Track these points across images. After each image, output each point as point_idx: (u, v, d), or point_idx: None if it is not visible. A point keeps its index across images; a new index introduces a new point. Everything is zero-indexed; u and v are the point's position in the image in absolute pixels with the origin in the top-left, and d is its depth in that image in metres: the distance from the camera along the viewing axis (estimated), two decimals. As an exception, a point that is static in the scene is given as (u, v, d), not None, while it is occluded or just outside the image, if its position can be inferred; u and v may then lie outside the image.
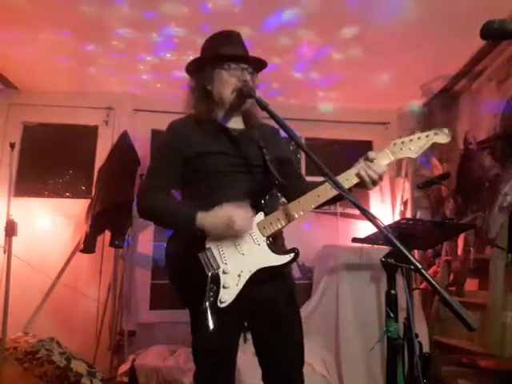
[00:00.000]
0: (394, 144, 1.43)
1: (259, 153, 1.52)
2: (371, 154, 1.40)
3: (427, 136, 1.40)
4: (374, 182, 1.39)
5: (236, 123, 1.59)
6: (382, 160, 1.41)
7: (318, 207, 1.50)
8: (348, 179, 1.40)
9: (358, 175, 1.39)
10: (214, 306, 1.34)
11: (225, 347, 1.48)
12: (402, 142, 1.42)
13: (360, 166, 1.39)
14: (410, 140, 1.41)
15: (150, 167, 1.59)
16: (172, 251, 1.53)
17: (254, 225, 1.43)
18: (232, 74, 1.51)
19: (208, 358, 1.47)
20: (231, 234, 1.39)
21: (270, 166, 1.49)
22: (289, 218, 1.42)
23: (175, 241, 1.54)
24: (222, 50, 1.53)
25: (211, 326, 1.31)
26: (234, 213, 1.37)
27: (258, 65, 1.59)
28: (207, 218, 1.39)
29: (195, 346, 1.50)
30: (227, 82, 1.52)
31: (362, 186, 1.41)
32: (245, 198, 1.44)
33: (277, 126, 1.41)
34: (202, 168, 1.50)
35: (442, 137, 1.40)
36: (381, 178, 1.39)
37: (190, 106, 1.59)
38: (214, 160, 1.49)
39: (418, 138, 1.41)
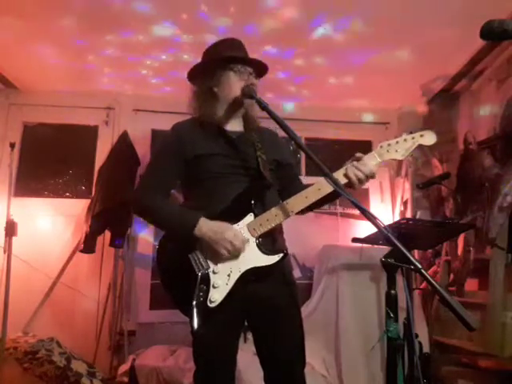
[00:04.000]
0: (381, 147, 1.46)
1: (255, 155, 1.55)
2: (358, 154, 1.44)
3: (413, 138, 1.44)
4: (361, 181, 1.41)
5: (236, 126, 1.63)
6: (370, 161, 1.44)
7: (317, 207, 1.54)
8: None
9: (346, 175, 1.42)
10: (204, 306, 1.38)
11: (224, 347, 1.50)
12: (389, 145, 1.45)
13: (347, 167, 1.43)
14: (397, 142, 1.45)
15: (150, 166, 1.62)
16: (163, 252, 1.54)
17: (244, 226, 1.46)
18: (240, 77, 1.56)
19: (208, 357, 1.49)
20: (222, 247, 1.40)
21: (262, 169, 1.52)
22: (278, 219, 1.45)
23: (166, 242, 1.56)
24: (229, 54, 1.58)
25: (196, 325, 1.35)
26: (235, 231, 1.41)
27: (261, 69, 1.64)
28: (209, 222, 1.42)
29: (195, 345, 1.51)
30: (235, 84, 1.56)
31: (349, 185, 1.43)
32: (241, 198, 1.47)
33: (277, 129, 1.44)
34: (201, 169, 1.53)
35: (428, 138, 1.43)
36: (368, 177, 1.41)
37: (194, 109, 1.63)
38: (213, 161, 1.52)
39: (405, 140, 1.44)
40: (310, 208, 1.53)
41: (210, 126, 1.57)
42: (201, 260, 1.43)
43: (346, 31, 2.91)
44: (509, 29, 0.95)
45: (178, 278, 1.47)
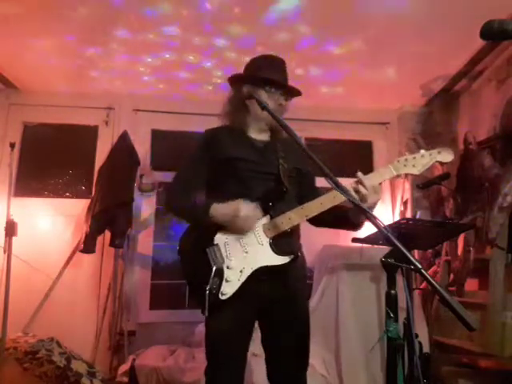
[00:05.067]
0: (398, 161, 1.50)
1: (277, 163, 1.65)
2: (360, 174, 1.48)
3: (430, 154, 1.48)
4: (363, 198, 1.45)
5: (263, 136, 1.74)
6: (379, 177, 1.49)
7: (336, 227, 1.73)
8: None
9: (355, 188, 1.47)
10: (216, 298, 1.47)
11: (236, 344, 1.56)
12: (406, 159, 1.49)
13: (350, 184, 1.48)
14: (414, 158, 1.49)
15: (182, 168, 1.74)
16: (184, 249, 1.65)
17: (259, 226, 1.54)
18: (270, 97, 1.66)
19: (219, 353, 1.56)
20: (237, 225, 1.50)
21: (281, 175, 1.62)
22: (292, 222, 1.53)
23: (187, 239, 1.67)
24: (267, 74, 1.67)
25: (206, 314, 1.45)
26: (241, 206, 1.49)
27: (294, 92, 1.73)
28: (219, 207, 1.52)
29: (208, 341, 1.59)
30: (265, 102, 1.61)
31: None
32: (259, 201, 1.56)
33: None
34: (226, 172, 1.64)
35: (445, 156, 1.47)
36: (374, 190, 1.45)
37: (226, 115, 1.75)
38: (237, 165, 1.63)
39: (422, 155, 1.48)
40: (331, 224, 1.68)
41: (239, 133, 1.70)
42: (217, 255, 1.53)
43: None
44: (509, 29, 0.95)
45: (199, 274, 1.54)
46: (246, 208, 1.49)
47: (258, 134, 1.73)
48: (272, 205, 1.55)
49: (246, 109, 1.70)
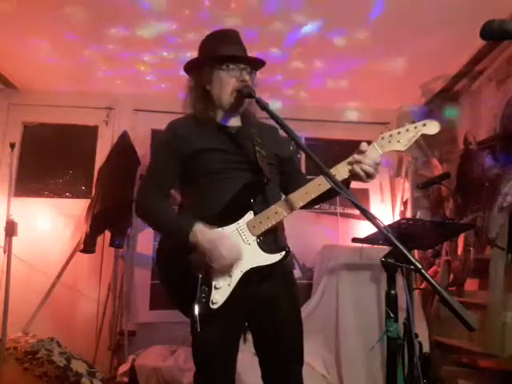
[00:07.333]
0: (382, 138, 1.40)
1: (254, 150, 1.51)
2: (363, 147, 1.39)
3: (416, 127, 1.37)
4: (369, 175, 1.37)
5: (234, 121, 1.59)
6: (371, 153, 1.39)
7: (316, 204, 1.51)
8: (337, 174, 1.37)
9: (352, 171, 1.39)
10: (206, 308, 1.35)
11: (224, 348, 1.48)
12: (390, 135, 1.39)
13: (352, 165, 1.38)
14: (398, 133, 1.38)
15: (150, 167, 1.60)
16: (163, 252, 1.52)
17: (243, 224, 1.42)
18: (231, 75, 1.51)
19: (208, 358, 1.47)
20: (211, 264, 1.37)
21: (260, 163, 1.47)
22: (278, 216, 1.40)
23: (167, 242, 1.53)
24: (220, 51, 1.52)
25: (198, 327, 1.32)
26: (222, 252, 1.34)
27: (257, 64, 1.58)
28: (201, 238, 1.37)
29: (195, 346, 1.50)
30: (226, 82, 1.51)
31: (357, 179, 1.40)
32: (239, 195, 1.44)
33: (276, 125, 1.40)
34: (200, 165, 1.50)
35: (431, 128, 1.36)
36: (375, 169, 1.37)
37: (189, 106, 1.59)
38: (211, 157, 1.49)
39: (407, 130, 1.37)
40: (314, 202, 1.49)
41: (207, 121, 1.54)
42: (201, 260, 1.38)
43: (346, 35, 2.91)
44: (509, 29, 0.95)
45: (178, 278, 1.44)
46: (232, 248, 1.35)
47: (229, 120, 1.58)
48: (254, 200, 1.42)
49: (207, 95, 1.54)
